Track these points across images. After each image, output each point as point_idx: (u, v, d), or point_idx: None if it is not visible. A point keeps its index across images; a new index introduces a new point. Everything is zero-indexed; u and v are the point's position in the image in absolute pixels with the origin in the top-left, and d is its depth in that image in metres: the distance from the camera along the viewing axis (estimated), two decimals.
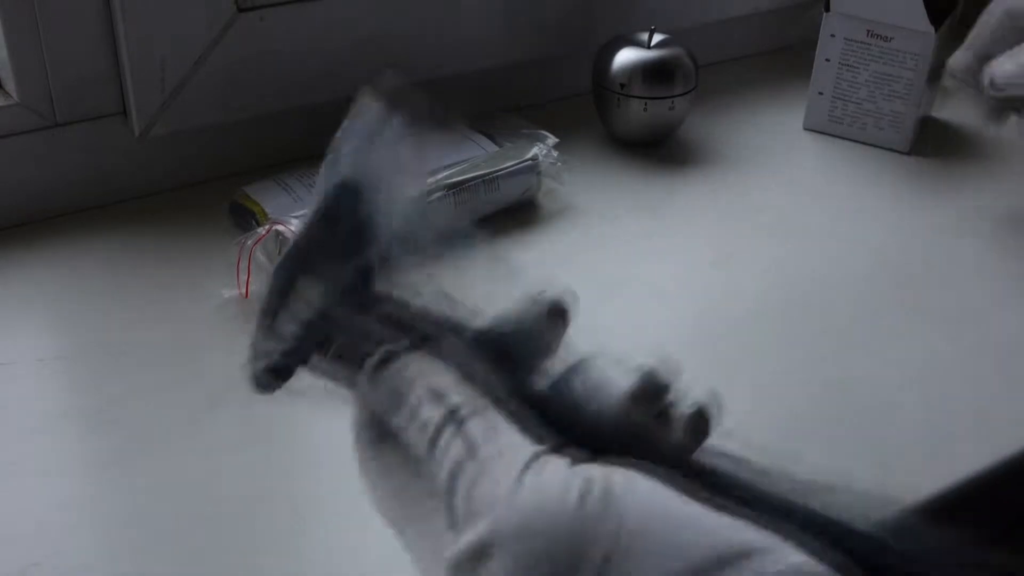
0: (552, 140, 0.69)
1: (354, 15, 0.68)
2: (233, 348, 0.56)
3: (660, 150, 0.76)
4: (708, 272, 0.64)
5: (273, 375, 0.34)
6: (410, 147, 0.32)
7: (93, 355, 0.55)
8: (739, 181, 0.73)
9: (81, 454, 0.50)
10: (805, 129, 0.79)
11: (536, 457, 0.28)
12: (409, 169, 0.32)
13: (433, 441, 0.30)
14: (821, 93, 0.78)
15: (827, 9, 0.75)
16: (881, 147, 0.77)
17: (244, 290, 0.58)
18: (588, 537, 0.26)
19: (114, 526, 0.46)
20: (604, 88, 0.73)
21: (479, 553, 0.27)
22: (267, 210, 0.61)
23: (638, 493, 0.27)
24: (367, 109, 0.34)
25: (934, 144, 0.78)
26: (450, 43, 0.73)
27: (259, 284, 0.59)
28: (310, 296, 0.32)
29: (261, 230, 0.58)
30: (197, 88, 0.64)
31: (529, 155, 0.67)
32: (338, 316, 0.32)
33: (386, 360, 0.32)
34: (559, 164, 0.68)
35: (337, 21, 0.68)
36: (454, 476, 0.29)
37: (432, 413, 0.30)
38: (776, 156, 0.77)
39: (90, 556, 0.44)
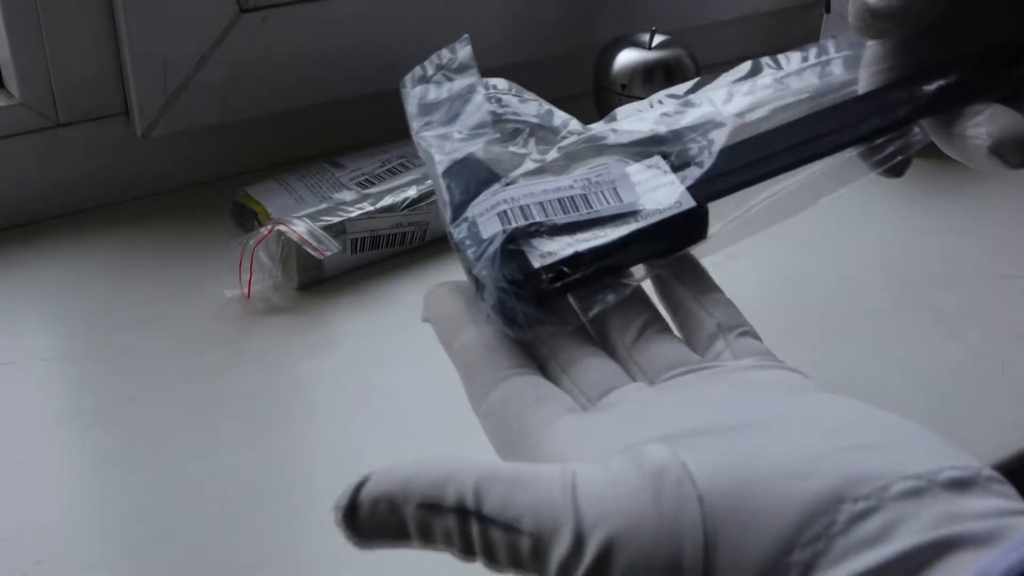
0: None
1: (355, 15, 0.68)
2: (235, 348, 0.56)
3: None
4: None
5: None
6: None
7: (94, 355, 0.55)
8: None
9: (82, 454, 0.50)
10: None
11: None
12: None
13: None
14: None
15: (827, 10, 0.75)
16: None
17: (246, 290, 0.58)
18: (681, 535, 0.24)
19: (116, 525, 0.46)
20: (605, 89, 0.73)
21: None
22: (269, 210, 0.61)
23: (708, 462, 0.25)
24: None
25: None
26: (450, 43, 0.73)
27: (261, 284, 0.59)
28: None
29: (263, 230, 0.58)
30: (199, 88, 0.64)
31: None
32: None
33: None
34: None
35: (338, 21, 0.68)
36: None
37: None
38: None
39: (92, 555, 0.44)
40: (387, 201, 0.61)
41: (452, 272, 0.63)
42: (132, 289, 0.60)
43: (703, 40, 0.80)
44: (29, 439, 0.50)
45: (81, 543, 0.45)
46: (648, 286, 0.39)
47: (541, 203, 0.35)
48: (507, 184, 0.36)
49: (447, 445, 0.50)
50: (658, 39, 0.74)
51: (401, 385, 0.54)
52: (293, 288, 0.60)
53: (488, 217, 0.35)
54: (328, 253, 0.57)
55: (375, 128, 0.71)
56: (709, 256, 0.41)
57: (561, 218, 0.35)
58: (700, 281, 0.36)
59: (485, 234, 0.35)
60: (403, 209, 0.61)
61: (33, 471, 0.48)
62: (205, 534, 0.45)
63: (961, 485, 0.24)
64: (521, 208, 0.35)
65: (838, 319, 0.60)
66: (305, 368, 0.55)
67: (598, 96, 0.75)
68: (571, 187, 0.36)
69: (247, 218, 0.62)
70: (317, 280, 0.60)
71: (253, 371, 0.54)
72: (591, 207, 0.36)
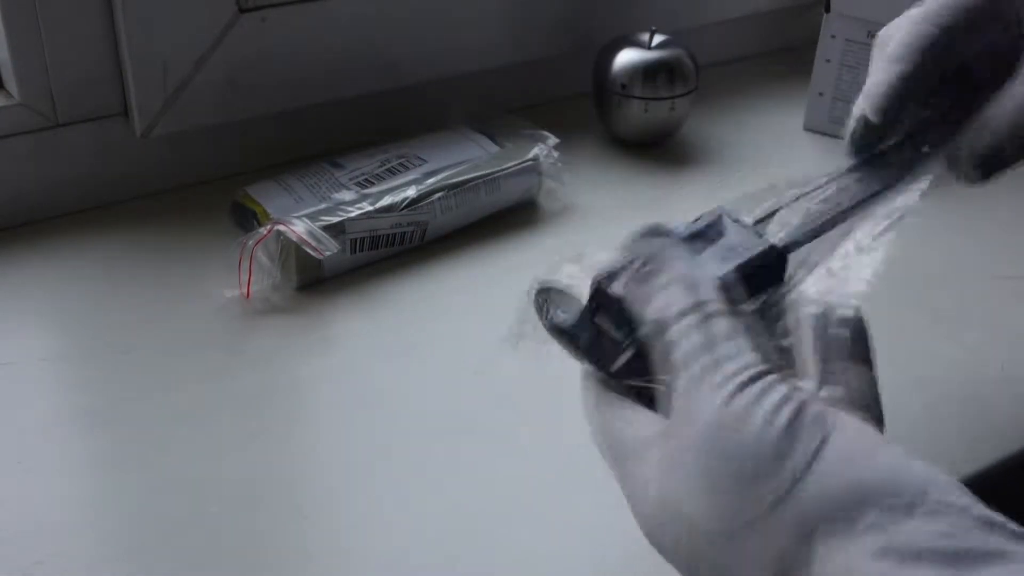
0: (552, 140, 0.69)
1: (355, 16, 0.68)
2: (234, 348, 0.56)
3: (660, 150, 0.76)
4: None
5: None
6: None
7: (94, 355, 0.55)
8: (739, 181, 0.73)
9: (82, 454, 0.50)
10: (805, 130, 0.80)
11: (758, 377, 0.31)
12: None
13: (676, 319, 0.33)
14: (821, 94, 0.78)
15: (827, 10, 0.76)
16: None
17: (245, 290, 0.58)
18: (784, 453, 0.29)
19: (116, 525, 0.46)
20: (605, 89, 0.73)
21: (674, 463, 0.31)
22: (268, 210, 0.61)
23: (848, 429, 0.30)
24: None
25: None
26: (450, 43, 0.73)
27: (260, 284, 0.59)
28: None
29: (262, 230, 0.58)
30: (198, 88, 0.64)
31: (529, 155, 0.67)
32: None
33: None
34: (559, 164, 0.68)
35: (338, 21, 0.68)
36: (685, 364, 0.32)
37: (682, 298, 0.33)
38: (776, 156, 0.77)
39: (92, 555, 0.44)
40: (386, 201, 0.61)
41: (451, 271, 0.63)
42: (131, 289, 0.60)
43: (703, 40, 0.80)
44: (29, 439, 0.50)
45: (81, 543, 0.45)
46: None
47: None
48: None
49: (446, 445, 0.50)
50: (658, 39, 0.74)
51: (400, 385, 0.54)
52: (292, 288, 0.60)
53: None
54: (327, 253, 0.57)
55: (374, 128, 0.72)
56: None
57: None
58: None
59: None
60: (402, 209, 0.61)
61: (33, 471, 0.48)
62: (205, 534, 0.45)
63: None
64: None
65: None
66: (304, 368, 0.55)
67: (598, 96, 0.75)
68: None
69: (246, 218, 0.62)
70: (316, 280, 0.60)
71: (252, 371, 0.54)
72: None
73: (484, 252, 0.64)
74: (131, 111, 0.64)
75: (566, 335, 0.37)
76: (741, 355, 0.32)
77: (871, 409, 0.34)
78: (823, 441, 0.29)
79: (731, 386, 0.31)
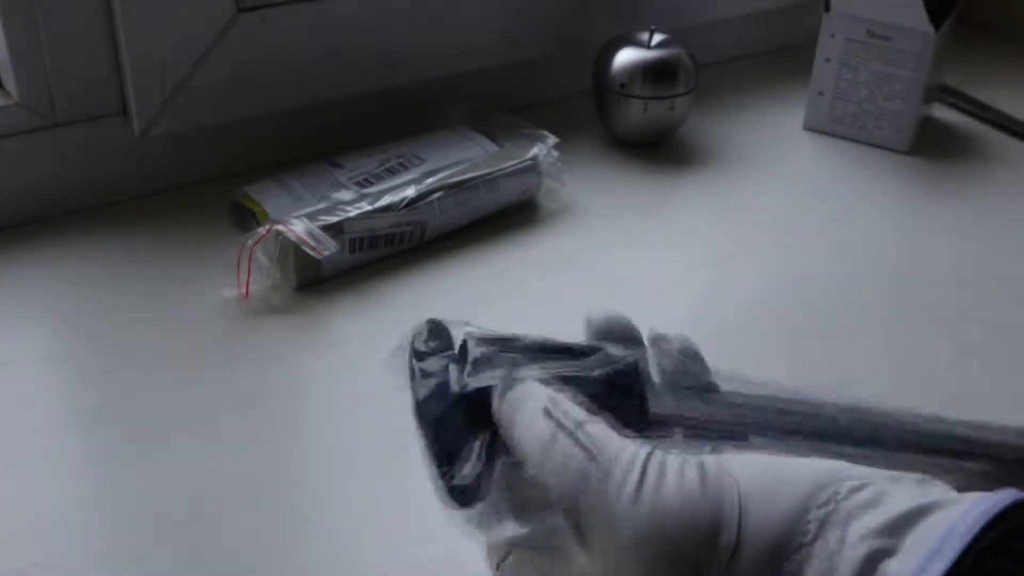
0: (552, 140, 0.69)
1: (354, 15, 0.68)
2: (233, 348, 0.56)
3: (660, 150, 0.76)
4: (708, 272, 0.64)
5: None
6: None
7: (94, 355, 0.55)
8: (739, 181, 0.73)
9: (81, 454, 0.50)
10: (805, 129, 0.79)
11: (649, 457, 0.31)
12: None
13: (550, 445, 0.33)
14: (821, 93, 0.78)
15: (827, 9, 0.75)
16: (881, 147, 0.77)
17: (244, 290, 0.58)
18: (721, 508, 0.30)
19: (115, 526, 0.46)
20: (604, 88, 0.73)
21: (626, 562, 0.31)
22: (267, 210, 0.61)
23: (738, 460, 0.31)
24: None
25: (934, 144, 0.78)
26: (450, 43, 0.73)
27: (259, 284, 0.59)
28: (474, 447, 0.37)
29: (261, 230, 0.58)
30: (197, 88, 0.64)
31: (529, 155, 0.67)
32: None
33: (512, 382, 0.36)
34: (559, 164, 0.68)
35: (337, 21, 0.68)
36: (579, 482, 0.32)
37: (548, 423, 0.33)
38: (776, 156, 0.77)
39: (91, 556, 0.44)
40: (385, 201, 0.61)
41: (450, 271, 0.63)
42: (131, 289, 0.60)
43: (702, 39, 0.80)
44: (29, 439, 0.49)
45: (80, 543, 0.45)
46: None
47: None
48: None
49: None
50: (657, 38, 0.74)
51: (400, 385, 0.54)
52: (291, 288, 0.60)
53: None
54: (326, 253, 0.57)
55: (373, 128, 0.71)
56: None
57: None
58: None
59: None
60: (401, 209, 0.61)
61: (32, 471, 0.48)
62: (204, 534, 0.45)
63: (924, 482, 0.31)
64: None
65: (838, 319, 0.60)
66: (303, 368, 0.55)
67: (597, 96, 0.75)
68: None
69: (245, 218, 0.62)
70: (315, 280, 0.60)
71: (251, 371, 0.54)
72: None
73: (483, 252, 0.64)
74: (130, 111, 0.64)
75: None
76: (624, 449, 0.32)
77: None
78: (737, 482, 0.30)
79: (629, 486, 0.31)
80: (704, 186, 0.72)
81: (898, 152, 0.77)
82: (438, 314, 0.59)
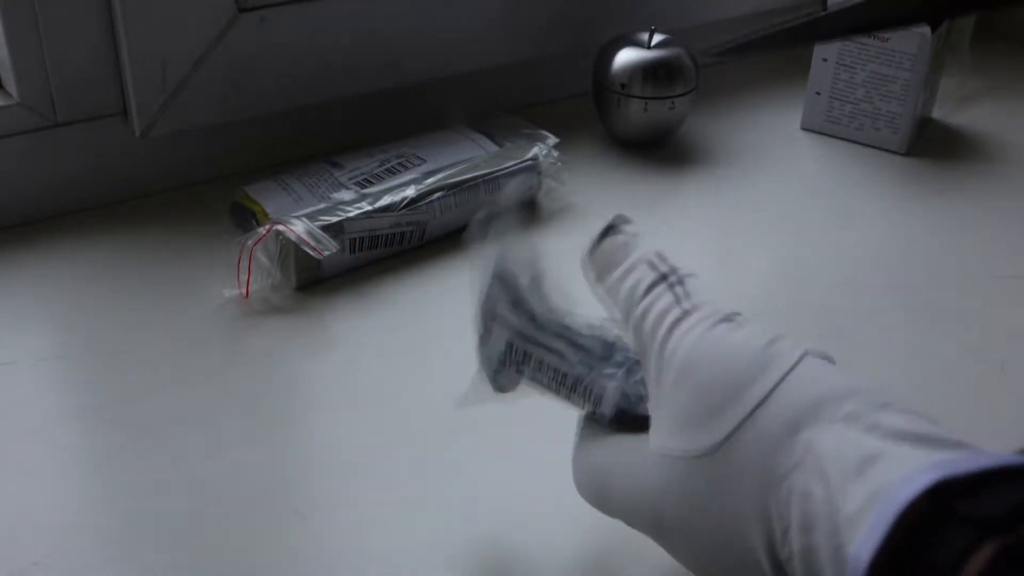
0: (552, 140, 0.69)
1: (354, 15, 0.68)
2: (233, 348, 0.56)
3: (660, 150, 0.76)
4: (707, 271, 0.64)
5: (496, 384, 0.43)
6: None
7: (94, 355, 0.55)
8: (738, 181, 0.73)
9: (81, 454, 0.50)
10: (802, 129, 0.80)
11: (728, 315, 0.36)
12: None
13: (646, 292, 0.37)
14: (819, 93, 0.78)
15: (824, 9, 0.75)
16: (878, 147, 0.77)
17: (244, 290, 0.58)
18: (769, 366, 0.33)
19: (114, 526, 0.46)
20: (604, 88, 0.73)
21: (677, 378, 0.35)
22: (268, 210, 0.61)
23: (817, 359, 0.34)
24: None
25: (930, 145, 0.78)
26: (450, 43, 0.73)
27: (259, 284, 0.59)
28: (509, 320, 0.41)
29: (262, 230, 0.58)
30: (197, 88, 0.64)
31: (529, 155, 0.67)
32: (531, 335, 0.41)
33: (608, 231, 0.41)
34: (559, 164, 0.68)
35: (337, 21, 0.68)
36: (658, 322, 0.36)
37: (646, 273, 0.38)
38: (774, 156, 0.77)
39: (90, 556, 0.44)
40: (385, 201, 0.61)
41: (450, 271, 0.63)
42: (131, 289, 0.60)
43: (703, 39, 0.79)
44: (29, 439, 0.50)
45: (79, 543, 0.45)
46: None
47: None
48: None
49: (445, 445, 0.50)
50: (657, 38, 0.74)
51: (399, 385, 0.54)
52: (291, 288, 0.60)
53: None
54: (326, 253, 0.57)
55: (373, 128, 0.71)
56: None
57: None
58: None
59: None
60: (401, 209, 0.61)
61: (33, 471, 0.48)
62: (204, 534, 0.45)
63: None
64: None
65: (838, 318, 0.60)
66: (304, 368, 0.55)
67: (597, 95, 0.75)
68: None
69: (246, 218, 0.62)
70: (315, 280, 0.60)
71: (252, 371, 0.54)
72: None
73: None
74: (130, 111, 0.64)
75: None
76: (711, 304, 0.36)
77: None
78: (800, 358, 0.33)
79: (710, 320, 0.35)
80: (703, 186, 0.72)
81: (895, 153, 0.77)
82: (438, 314, 0.59)
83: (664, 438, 0.35)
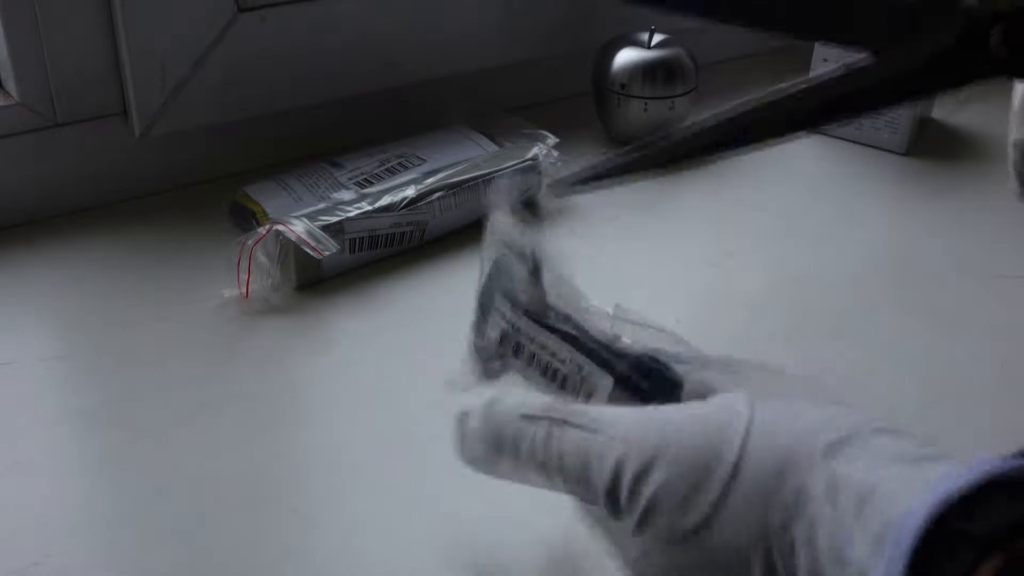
0: (552, 140, 0.69)
1: (354, 15, 0.68)
2: (233, 348, 0.56)
3: None
4: (707, 271, 0.64)
5: (486, 374, 0.43)
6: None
7: (93, 355, 0.55)
8: (738, 181, 0.73)
9: (81, 454, 0.50)
10: None
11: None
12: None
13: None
14: None
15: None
16: (877, 147, 0.77)
17: (244, 290, 0.58)
18: (727, 428, 0.33)
19: (114, 526, 0.46)
20: (604, 88, 0.73)
21: (639, 476, 0.33)
22: (267, 210, 0.61)
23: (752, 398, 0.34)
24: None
25: (930, 145, 0.78)
26: (450, 43, 0.73)
27: (259, 284, 0.59)
28: (504, 312, 0.41)
29: (261, 230, 0.58)
30: (197, 88, 0.64)
31: (529, 155, 0.67)
32: (524, 328, 0.41)
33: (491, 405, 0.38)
34: (559, 164, 0.68)
35: (337, 21, 0.68)
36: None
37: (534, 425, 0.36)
38: (774, 156, 0.77)
39: (91, 555, 0.44)
40: (385, 201, 0.61)
41: (450, 271, 0.63)
42: (130, 289, 0.60)
43: (702, 39, 0.79)
44: (28, 439, 0.49)
45: (79, 543, 0.45)
46: None
47: None
48: None
49: (446, 444, 0.50)
50: (657, 38, 0.74)
51: (399, 385, 0.54)
52: (291, 288, 0.60)
53: None
54: (326, 253, 0.57)
55: (373, 128, 0.71)
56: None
57: None
58: None
59: None
60: (401, 209, 0.61)
61: (32, 471, 0.48)
62: (204, 534, 0.45)
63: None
64: None
65: (838, 318, 0.60)
66: (303, 368, 0.55)
67: (597, 96, 0.75)
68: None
69: (245, 218, 0.62)
70: (315, 280, 0.60)
71: (251, 371, 0.54)
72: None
73: None
74: (130, 111, 0.64)
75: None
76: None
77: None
78: (751, 412, 0.33)
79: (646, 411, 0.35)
80: (703, 186, 0.72)
81: (895, 153, 0.77)
82: (438, 314, 0.59)
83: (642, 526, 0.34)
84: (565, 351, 0.40)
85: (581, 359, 0.40)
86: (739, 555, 0.31)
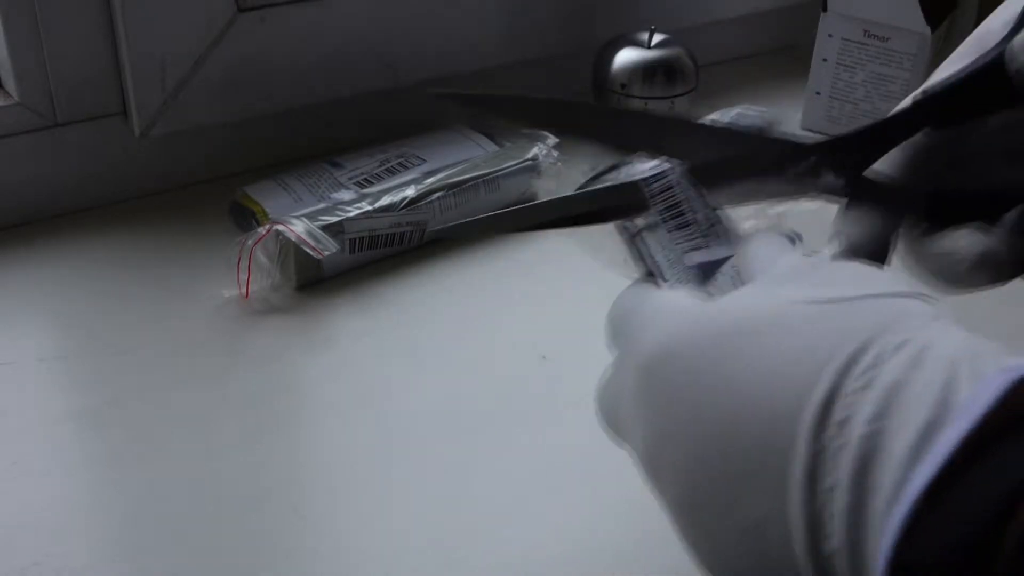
0: (552, 140, 0.69)
1: (354, 15, 0.68)
2: (233, 348, 0.56)
3: None
4: None
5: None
6: None
7: (93, 355, 0.55)
8: None
9: (81, 454, 0.50)
10: (803, 129, 0.80)
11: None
12: None
13: None
14: (818, 93, 0.78)
15: (824, 9, 0.76)
16: None
17: (244, 290, 0.58)
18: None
19: (114, 526, 0.46)
20: (604, 88, 0.73)
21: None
22: (267, 210, 0.61)
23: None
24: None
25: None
26: (450, 43, 0.73)
27: (259, 284, 0.59)
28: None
29: (261, 230, 0.58)
30: (197, 88, 0.64)
31: (529, 155, 0.67)
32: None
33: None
34: (559, 164, 0.68)
35: (337, 21, 0.68)
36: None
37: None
38: None
39: (90, 556, 0.44)
40: (385, 201, 0.61)
41: (450, 271, 0.63)
42: (130, 289, 0.60)
43: (702, 39, 0.80)
44: (28, 439, 0.50)
45: (79, 543, 0.45)
46: None
47: None
48: None
49: (446, 445, 0.50)
50: (657, 38, 0.74)
51: (400, 385, 0.54)
52: (291, 288, 0.60)
53: None
54: (326, 253, 0.57)
55: (374, 128, 0.71)
56: None
57: None
58: None
59: None
60: (401, 209, 0.61)
61: (32, 471, 0.48)
62: (204, 534, 0.45)
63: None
64: None
65: None
66: (303, 368, 0.55)
67: (597, 96, 0.75)
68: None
69: (245, 218, 0.62)
70: (315, 280, 0.60)
71: (251, 371, 0.54)
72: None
73: (483, 252, 0.64)
74: (130, 111, 0.64)
75: None
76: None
77: None
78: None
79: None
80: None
81: None
82: (438, 314, 0.59)
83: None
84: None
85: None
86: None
